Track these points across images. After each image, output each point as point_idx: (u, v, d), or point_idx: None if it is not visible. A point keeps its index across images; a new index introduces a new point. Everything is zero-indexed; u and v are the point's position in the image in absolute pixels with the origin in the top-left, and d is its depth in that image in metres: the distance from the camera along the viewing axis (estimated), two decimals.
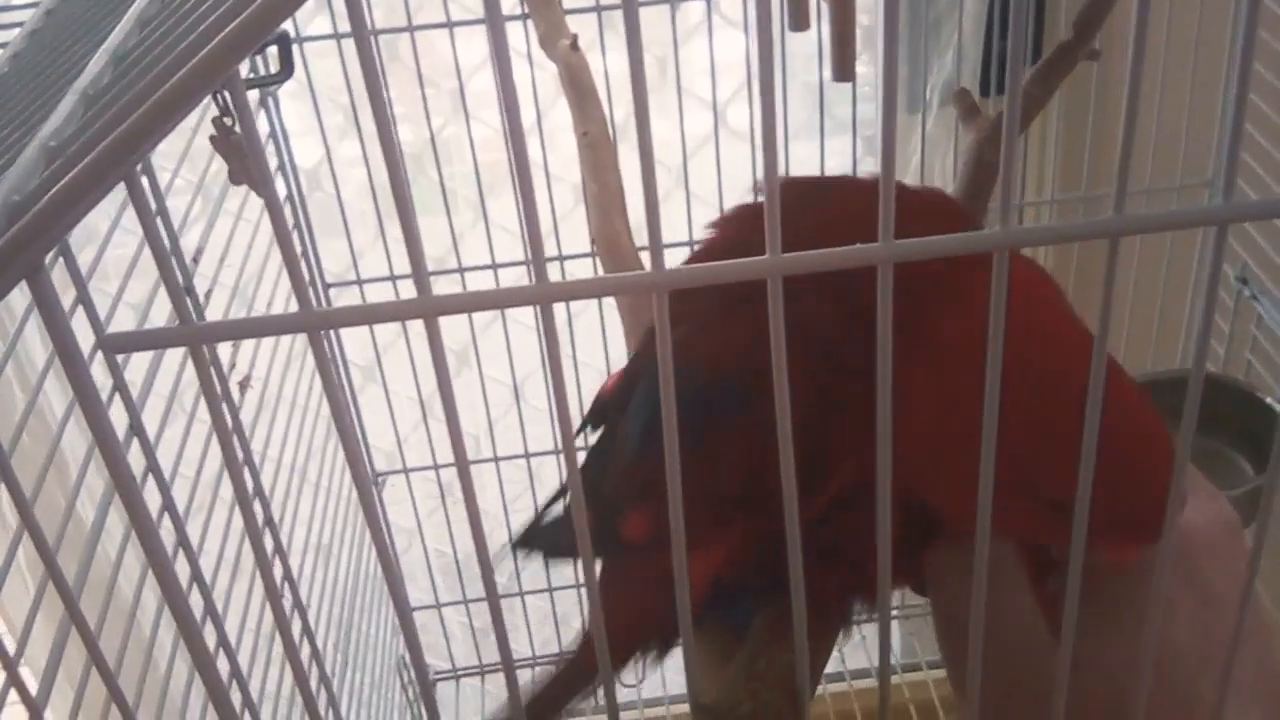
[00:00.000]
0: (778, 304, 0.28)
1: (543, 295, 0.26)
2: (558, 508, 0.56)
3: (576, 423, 0.49)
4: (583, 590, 1.34)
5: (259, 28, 0.21)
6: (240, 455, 0.48)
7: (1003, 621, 0.38)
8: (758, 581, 0.37)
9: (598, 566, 0.49)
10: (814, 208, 0.39)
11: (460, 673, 1.38)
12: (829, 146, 1.15)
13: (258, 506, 0.67)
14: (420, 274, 0.26)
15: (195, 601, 0.59)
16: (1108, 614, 0.37)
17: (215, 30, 0.21)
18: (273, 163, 1.04)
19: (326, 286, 1.10)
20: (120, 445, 0.26)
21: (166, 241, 0.53)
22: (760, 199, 0.44)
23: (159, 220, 0.55)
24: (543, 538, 0.55)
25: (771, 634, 0.39)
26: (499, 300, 0.27)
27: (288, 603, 0.74)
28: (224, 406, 0.31)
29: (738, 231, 0.43)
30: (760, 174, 1.17)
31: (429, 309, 0.26)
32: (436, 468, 1.24)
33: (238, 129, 0.58)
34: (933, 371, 0.36)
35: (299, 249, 0.96)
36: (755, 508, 0.32)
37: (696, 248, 0.45)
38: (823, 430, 0.34)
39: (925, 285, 0.35)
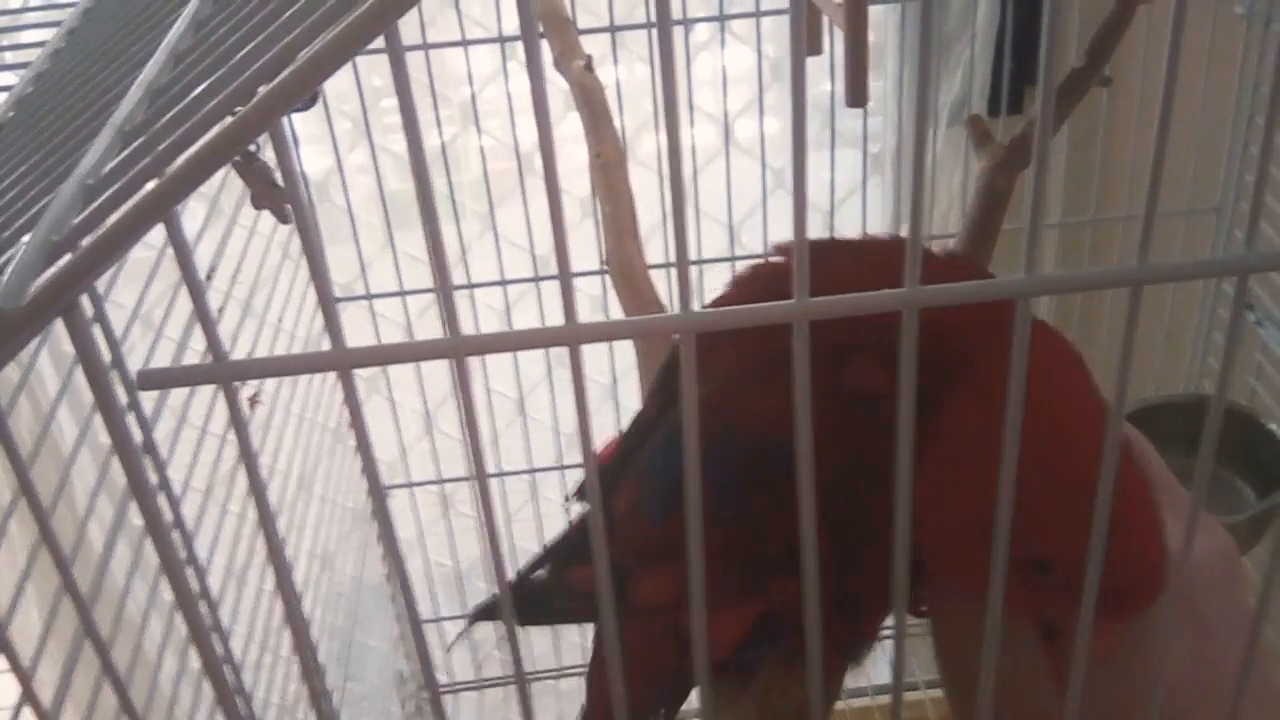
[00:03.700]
0: (803, 346, 0.28)
1: (573, 337, 0.27)
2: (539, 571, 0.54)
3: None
4: None
5: (307, 81, 0.21)
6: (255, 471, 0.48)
7: (1014, 681, 0.38)
8: (783, 631, 0.37)
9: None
10: (832, 266, 0.39)
11: (459, 687, 1.38)
12: (838, 160, 1.15)
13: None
14: (451, 315, 0.26)
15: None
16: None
17: (259, 79, 0.22)
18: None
19: (334, 301, 1.10)
20: (149, 482, 0.27)
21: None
22: (774, 259, 0.44)
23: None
24: (528, 604, 0.53)
25: (785, 667, 0.39)
26: (530, 341, 0.27)
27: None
28: (251, 424, 0.31)
29: (751, 292, 0.43)
30: (766, 197, 1.18)
31: (459, 349, 0.26)
32: (441, 481, 1.24)
33: (261, 156, 0.58)
34: (948, 439, 0.36)
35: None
36: (795, 569, 0.31)
37: (708, 304, 0.45)
38: (868, 495, 0.34)
39: (946, 365, 0.35)
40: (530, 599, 0.51)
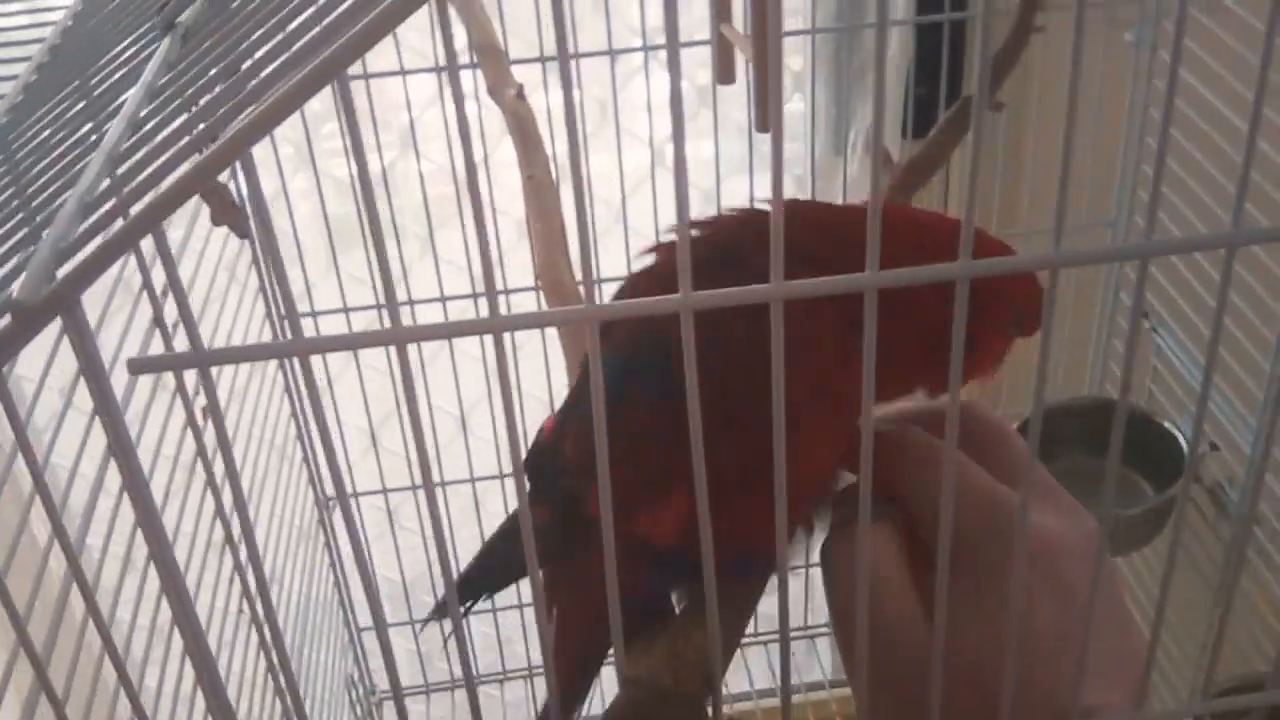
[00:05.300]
0: (690, 336, 0.33)
1: (495, 326, 0.32)
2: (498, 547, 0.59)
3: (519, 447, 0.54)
4: (526, 610, 1.38)
5: (273, 117, 0.26)
6: (218, 476, 0.52)
7: (887, 617, 0.43)
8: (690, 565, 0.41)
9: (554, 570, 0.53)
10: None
11: (405, 692, 1.41)
12: (758, 182, 1.22)
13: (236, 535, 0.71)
14: (393, 308, 0.31)
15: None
16: (970, 602, 0.42)
17: (231, 114, 0.27)
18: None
19: (283, 318, 1.15)
20: (141, 467, 0.31)
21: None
22: (730, 212, 0.49)
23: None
24: (497, 568, 0.59)
25: (691, 620, 0.45)
26: (459, 330, 0.32)
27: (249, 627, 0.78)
28: (210, 430, 0.36)
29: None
30: (721, 200, 1.24)
31: (401, 338, 0.31)
32: (385, 491, 1.29)
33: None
34: None
35: (262, 283, 1.01)
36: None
37: (648, 264, 0.51)
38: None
39: None
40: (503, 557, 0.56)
